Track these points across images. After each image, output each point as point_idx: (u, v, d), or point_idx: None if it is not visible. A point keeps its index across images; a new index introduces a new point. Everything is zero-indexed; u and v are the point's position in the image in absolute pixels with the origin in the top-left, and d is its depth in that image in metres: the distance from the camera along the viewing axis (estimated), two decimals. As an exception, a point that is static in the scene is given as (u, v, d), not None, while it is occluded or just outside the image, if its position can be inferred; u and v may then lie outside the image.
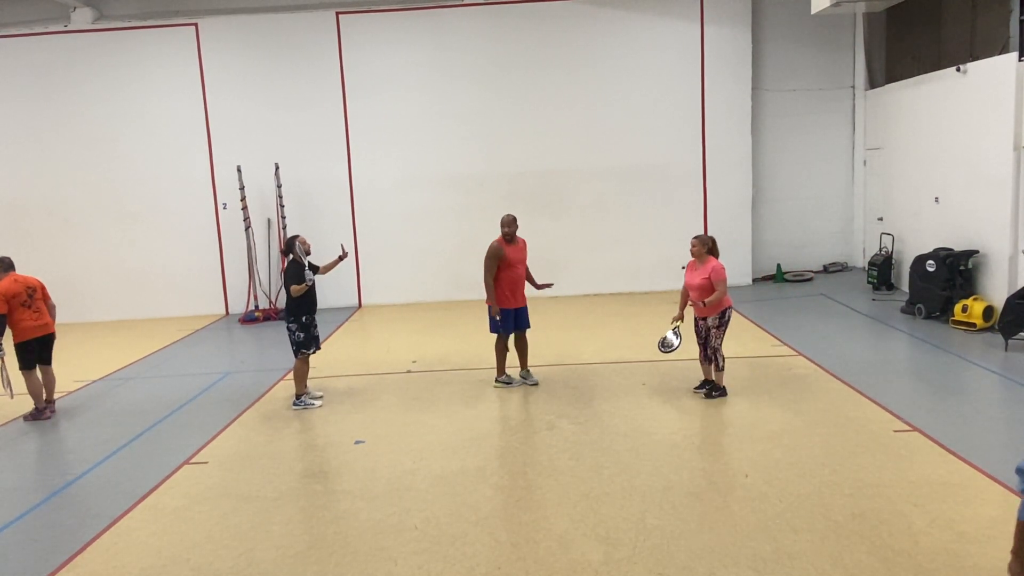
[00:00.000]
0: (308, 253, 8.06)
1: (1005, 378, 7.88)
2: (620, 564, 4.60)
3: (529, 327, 8.49)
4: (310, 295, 8.00)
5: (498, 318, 8.20)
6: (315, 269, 8.15)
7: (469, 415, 7.54)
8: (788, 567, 4.48)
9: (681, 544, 4.80)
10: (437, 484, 5.93)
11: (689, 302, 7.59)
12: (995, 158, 9.93)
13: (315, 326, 8.09)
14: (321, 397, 8.25)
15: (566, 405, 7.66)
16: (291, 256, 7.96)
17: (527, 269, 8.51)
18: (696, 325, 7.59)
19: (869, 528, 4.86)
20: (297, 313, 7.92)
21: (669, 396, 7.73)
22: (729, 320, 7.45)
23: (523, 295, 8.34)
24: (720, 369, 7.52)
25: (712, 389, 7.56)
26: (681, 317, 7.64)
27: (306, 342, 7.97)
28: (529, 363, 8.70)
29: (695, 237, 7.52)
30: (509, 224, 8.16)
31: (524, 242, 8.44)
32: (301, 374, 8.07)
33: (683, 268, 8.02)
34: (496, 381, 8.47)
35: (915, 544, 4.64)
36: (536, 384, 8.40)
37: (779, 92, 14.21)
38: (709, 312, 7.37)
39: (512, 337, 8.46)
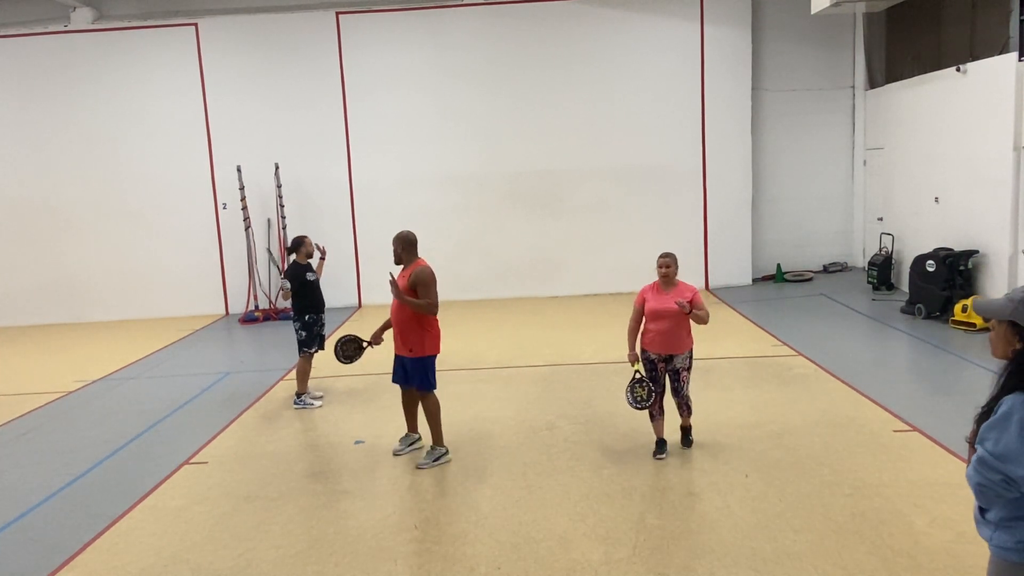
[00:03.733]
0: (310, 256, 8.13)
1: (1005, 378, 7.87)
2: (620, 564, 4.60)
3: (417, 387, 6.31)
4: (314, 294, 8.04)
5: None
6: (315, 272, 8.24)
7: (469, 415, 7.53)
8: (788, 567, 4.48)
9: (681, 544, 4.80)
10: (437, 484, 5.93)
11: (646, 337, 6.14)
12: (995, 158, 9.93)
13: (319, 324, 8.12)
14: (321, 397, 8.25)
15: (566, 405, 7.65)
16: (292, 257, 8.10)
17: (406, 310, 6.23)
18: (654, 368, 6.11)
19: (869, 528, 4.86)
20: (300, 312, 7.99)
21: (669, 396, 7.71)
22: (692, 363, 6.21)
23: (401, 340, 6.31)
24: (691, 412, 6.30)
25: (685, 435, 6.37)
26: (636, 357, 6.16)
27: (308, 340, 8.02)
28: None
29: (665, 255, 6.11)
30: (395, 242, 6.44)
31: (415, 270, 6.26)
32: (303, 372, 8.08)
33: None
34: (435, 460, 6.35)
35: (915, 544, 4.64)
36: (420, 467, 6.25)
37: (779, 92, 14.21)
38: (680, 348, 6.02)
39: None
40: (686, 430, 6.41)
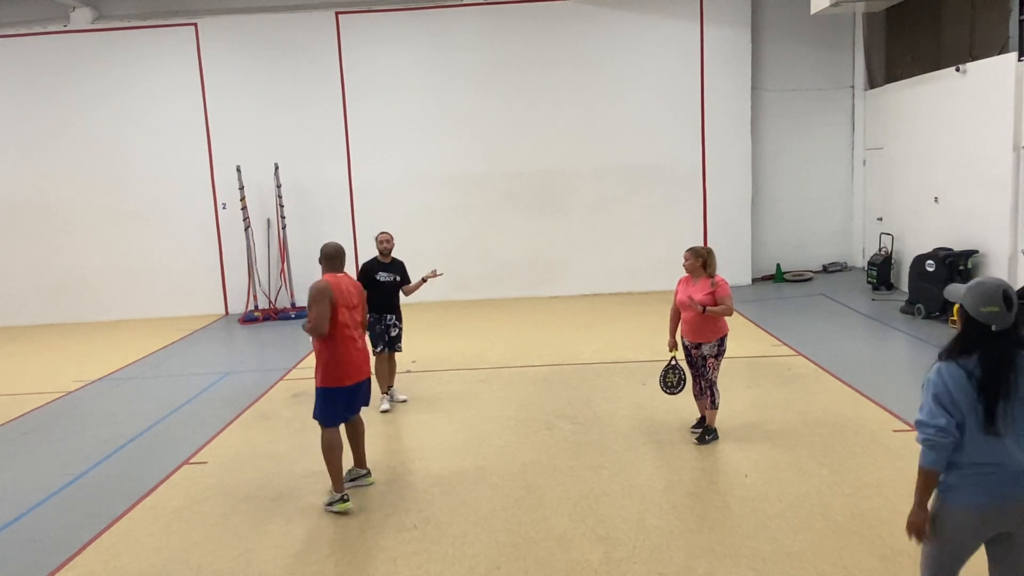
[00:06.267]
0: (382, 253, 7.74)
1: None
2: (620, 564, 4.60)
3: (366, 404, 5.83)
4: (379, 296, 7.57)
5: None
6: (395, 273, 7.78)
7: (469, 415, 7.53)
8: (788, 567, 4.48)
9: (681, 544, 4.80)
10: (437, 484, 5.93)
11: (680, 325, 6.56)
12: (995, 158, 9.94)
13: (382, 325, 7.66)
14: (401, 400, 7.97)
15: (566, 405, 7.65)
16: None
17: (361, 322, 5.78)
18: (689, 355, 6.54)
19: (869, 528, 4.86)
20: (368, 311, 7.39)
21: (669, 396, 7.71)
22: (725, 350, 6.47)
23: (366, 361, 5.73)
24: (715, 407, 6.48)
25: (705, 432, 6.48)
26: (675, 344, 6.60)
27: (372, 340, 7.43)
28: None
29: (688, 250, 6.42)
30: (336, 254, 5.77)
31: (352, 279, 5.81)
32: (376, 372, 7.45)
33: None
34: (328, 505, 5.57)
35: (915, 544, 4.63)
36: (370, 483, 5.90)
37: (779, 92, 14.22)
38: (706, 336, 6.33)
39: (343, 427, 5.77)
40: (707, 427, 6.51)
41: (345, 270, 5.80)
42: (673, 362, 6.61)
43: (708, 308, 6.15)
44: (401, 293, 7.89)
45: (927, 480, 3.10)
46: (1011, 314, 3.02)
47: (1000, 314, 3.02)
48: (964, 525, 3.08)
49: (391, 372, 7.92)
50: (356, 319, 5.67)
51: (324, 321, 5.37)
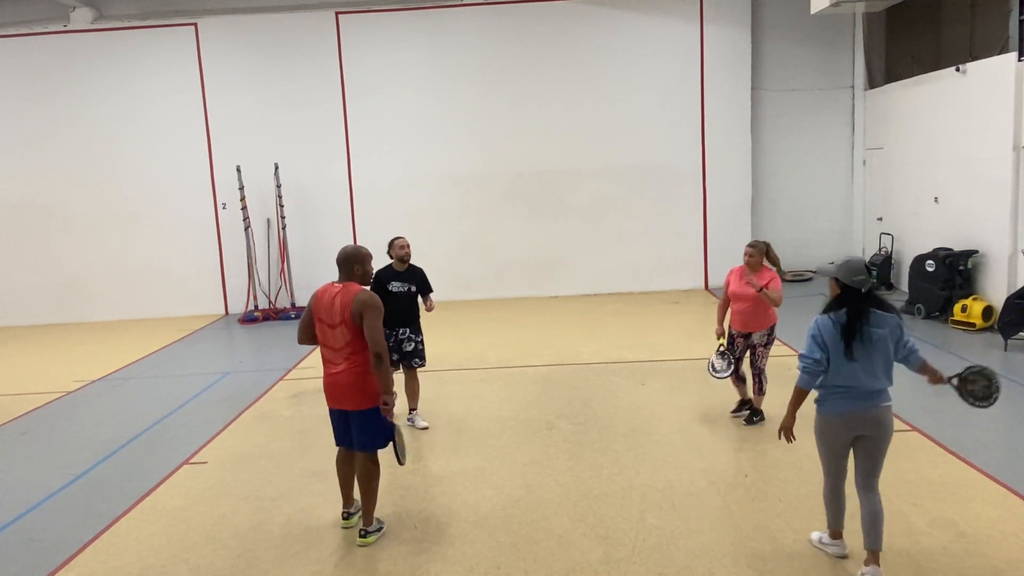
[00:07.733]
0: (401, 260, 7.12)
1: (1005, 378, 7.85)
2: (620, 564, 4.60)
3: (362, 448, 5.13)
4: (392, 307, 6.54)
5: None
6: (411, 283, 7.14)
7: (468, 414, 7.53)
8: (788, 567, 4.48)
9: (681, 544, 4.80)
10: (437, 484, 5.93)
11: (731, 316, 6.78)
12: (995, 158, 9.94)
13: (391, 338, 6.90)
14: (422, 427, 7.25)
15: (566, 405, 7.65)
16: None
17: (349, 344, 4.87)
18: (732, 342, 6.79)
19: (869, 528, 4.85)
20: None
21: (669, 396, 7.73)
22: (775, 339, 6.72)
23: (340, 391, 4.99)
24: (763, 392, 6.76)
25: (753, 414, 6.82)
26: (723, 332, 6.85)
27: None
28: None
29: (751, 244, 6.63)
30: (341, 260, 5.08)
31: (348, 291, 4.89)
32: (403, 388, 7.10)
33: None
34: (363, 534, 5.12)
35: (915, 544, 4.65)
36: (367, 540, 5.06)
37: (779, 92, 14.21)
38: (758, 325, 6.60)
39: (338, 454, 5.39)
40: (754, 409, 6.84)
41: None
42: (721, 348, 6.83)
43: (764, 291, 6.37)
44: (424, 306, 7.28)
45: (799, 397, 4.36)
46: (870, 280, 4.27)
47: (866, 280, 4.23)
48: (834, 426, 4.32)
49: (413, 393, 7.27)
50: (339, 340, 4.86)
51: (299, 331, 5.12)
